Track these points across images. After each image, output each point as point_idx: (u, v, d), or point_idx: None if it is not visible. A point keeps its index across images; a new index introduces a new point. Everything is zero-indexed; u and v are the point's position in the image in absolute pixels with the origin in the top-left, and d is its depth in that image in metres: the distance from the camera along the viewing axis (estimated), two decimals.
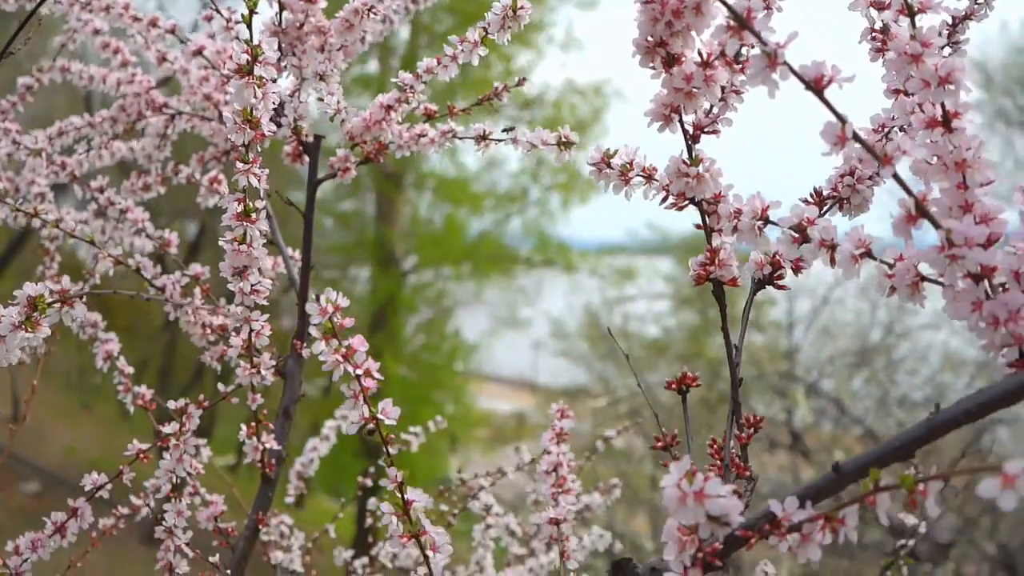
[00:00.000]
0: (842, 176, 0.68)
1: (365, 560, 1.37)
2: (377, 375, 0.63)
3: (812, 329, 7.02)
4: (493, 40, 0.90)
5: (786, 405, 5.82)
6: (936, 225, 0.51)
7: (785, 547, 0.51)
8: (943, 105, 0.53)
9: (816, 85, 0.50)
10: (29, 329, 0.67)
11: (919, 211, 0.51)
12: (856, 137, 0.50)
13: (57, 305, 0.66)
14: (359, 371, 0.62)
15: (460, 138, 0.96)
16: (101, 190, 1.12)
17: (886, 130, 0.69)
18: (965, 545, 5.92)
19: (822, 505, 0.52)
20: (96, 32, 1.19)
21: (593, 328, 10.73)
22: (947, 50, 0.72)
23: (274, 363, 0.90)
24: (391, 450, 0.65)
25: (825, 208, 0.69)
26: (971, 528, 5.94)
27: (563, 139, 0.85)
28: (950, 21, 0.72)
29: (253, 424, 0.95)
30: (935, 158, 0.54)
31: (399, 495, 0.65)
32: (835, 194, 0.68)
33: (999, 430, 6.33)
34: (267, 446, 0.97)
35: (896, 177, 0.51)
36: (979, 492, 0.41)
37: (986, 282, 0.52)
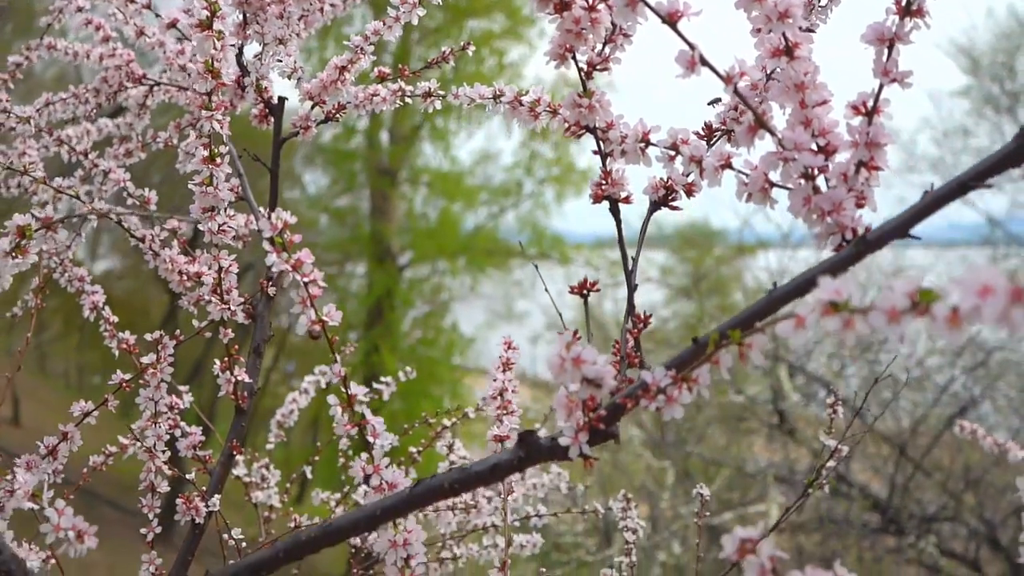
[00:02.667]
0: (729, 110, 0.78)
1: (338, 496, 1.47)
2: (322, 284, 0.73)
3: None
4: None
5: (772, 384, 5.93)
6: (772, 133, 0.60)
7: (654, 407, 0.61)
8: (785, 36, 0.63)
9: (671, 19, 0.60)
10: (18, 254, 0.77)
11: (758, 123, 0.61)
12: (703, 61, 0.60)
13: (42, 231, 0.76)
14: (307, 279, 0.72)
15: (409, 96, 1.06)
16: (85, 154, 1.22)
17: (768, 71, 0.79)
18: (950, 521, 6.04)
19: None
20: (79, 9, 1.28)
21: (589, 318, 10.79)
22: (823, 1, 0.81)
23: (243, 299, 1.00)
24: (337, 355, 0.75)
25: (715, 139, 0.78)
26: (956, 504, 6.06)
27: (498, 93, 0.94)
28: None
29: (226, 359, 1.05)
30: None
31: (343, 389, 0.74)
32: (723, 127, 0.78)
33: (983, 406, 6.45)
34: (239, 379, 1.06)
35: (737, 93, 0.61)
36: (777, 332, 0.50)
37: (823, 182, 0.62)
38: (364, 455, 0.75)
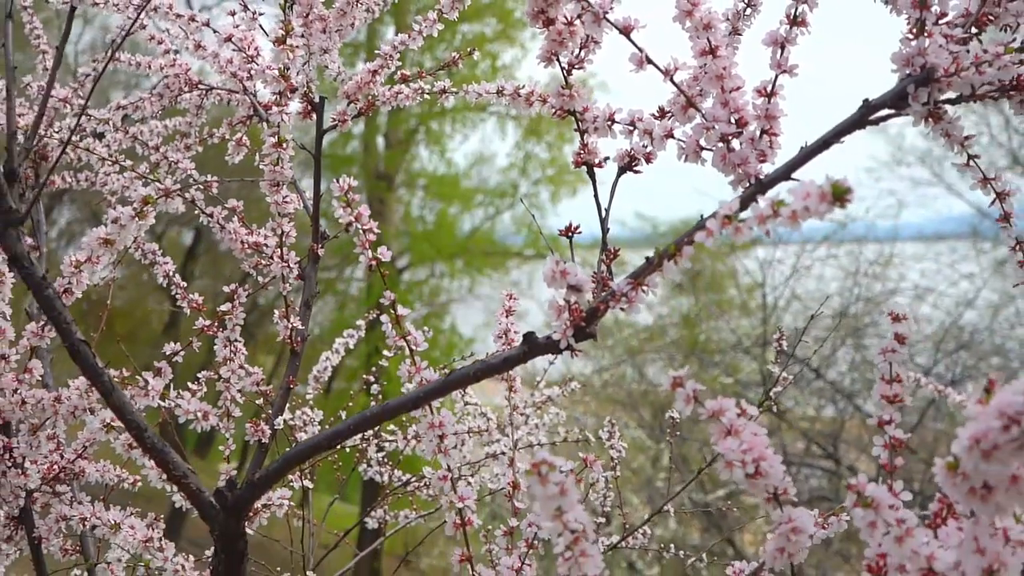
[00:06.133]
0: (674, 96, 1.03)
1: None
2: (376, 231, 0.97)
3: (790, 299, 7.41)
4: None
5: (761, 368, 6.19)
6: (699, 111, 0.85)
7: (619, 308, 0.86)
8: (709, 40, 0.88)
9: (625, 30, 0.85)
10: (141, 219, 1.01)
11: (688, 104, 0.86)
12: (648, 60, 0.85)
13: (163, 198, 1.01)
14: (365, 228, 0.96)
15: (427, 94, 1.31)
16: (156, 148, 1.46)
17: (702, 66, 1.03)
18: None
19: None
20: (143, 27, 1.53)
21: None
22: (749, 10, 1.06)
23: (299, 260, 1.25)
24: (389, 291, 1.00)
25: (667, 119, 1.03)
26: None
27: (500, 89, 1.19)
28: None
29: (284, 309, 1.30)
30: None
31: (393, 311, 0.99)
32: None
33: (965, 386, 6.72)
34: (295, 327, 1.31)
35: (674, 84, 0.86)
36: (696, 239, 0.75)
37: (737, 143, 0.87)
38: (407, 361, 1.00)
